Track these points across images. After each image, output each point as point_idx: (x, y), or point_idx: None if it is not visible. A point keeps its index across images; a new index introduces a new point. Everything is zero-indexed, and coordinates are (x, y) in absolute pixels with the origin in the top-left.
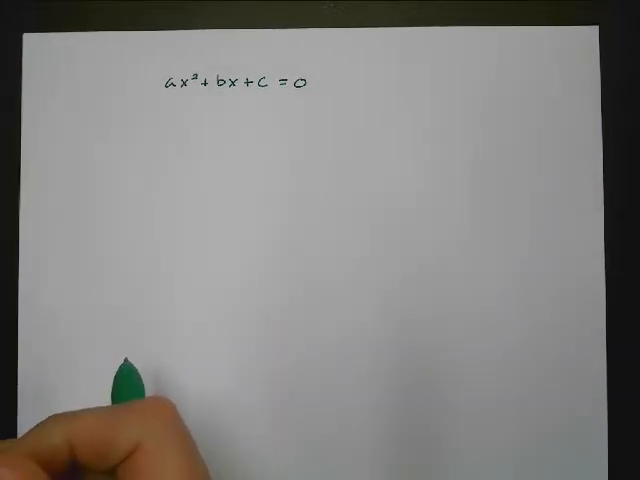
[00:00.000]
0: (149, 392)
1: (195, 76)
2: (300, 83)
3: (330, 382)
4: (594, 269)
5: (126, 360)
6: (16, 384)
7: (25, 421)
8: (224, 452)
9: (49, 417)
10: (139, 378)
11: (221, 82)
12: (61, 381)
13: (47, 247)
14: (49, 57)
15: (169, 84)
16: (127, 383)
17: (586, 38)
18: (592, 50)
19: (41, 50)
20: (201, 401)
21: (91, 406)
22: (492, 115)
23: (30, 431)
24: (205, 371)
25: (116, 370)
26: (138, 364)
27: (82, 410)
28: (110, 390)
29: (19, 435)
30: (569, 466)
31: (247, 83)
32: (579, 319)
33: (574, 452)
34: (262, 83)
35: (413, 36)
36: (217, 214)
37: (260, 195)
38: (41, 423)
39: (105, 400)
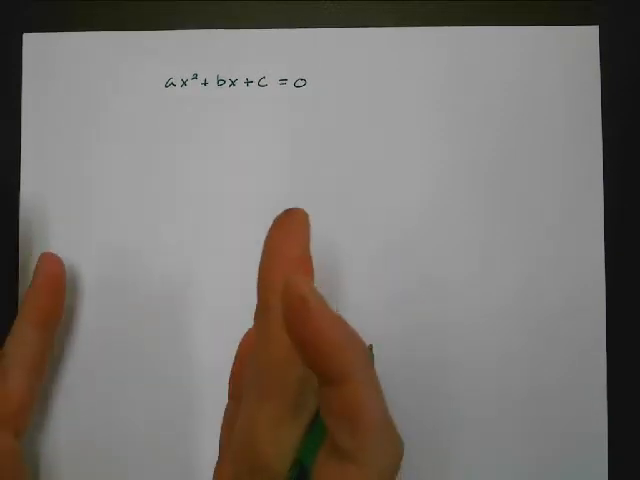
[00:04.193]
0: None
1: (195, 76)
2: (300, 83)
3: None
4: (594, 270)
5: None
6: None
7: None
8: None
9: None
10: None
11: (221, 82)
12: (60, 381)
13: (47, 247)
14: (49, 57)
15: (169, 84)
16: None
17: (586, 38)
18: (592, 50)
19: (41, 50)
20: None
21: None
22: (492, 115)
23: None
24: (205, 372)
25: (116, 371)
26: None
27: None
28: None
29: None
30: (569, 466)
31: (247, 83)
32: (579, 320)
33: (574, 452)
34: (262, 83)
35: (413, 36)
36: (217, 214)
37: (260, 195)
38: None
39: (103, 399)
